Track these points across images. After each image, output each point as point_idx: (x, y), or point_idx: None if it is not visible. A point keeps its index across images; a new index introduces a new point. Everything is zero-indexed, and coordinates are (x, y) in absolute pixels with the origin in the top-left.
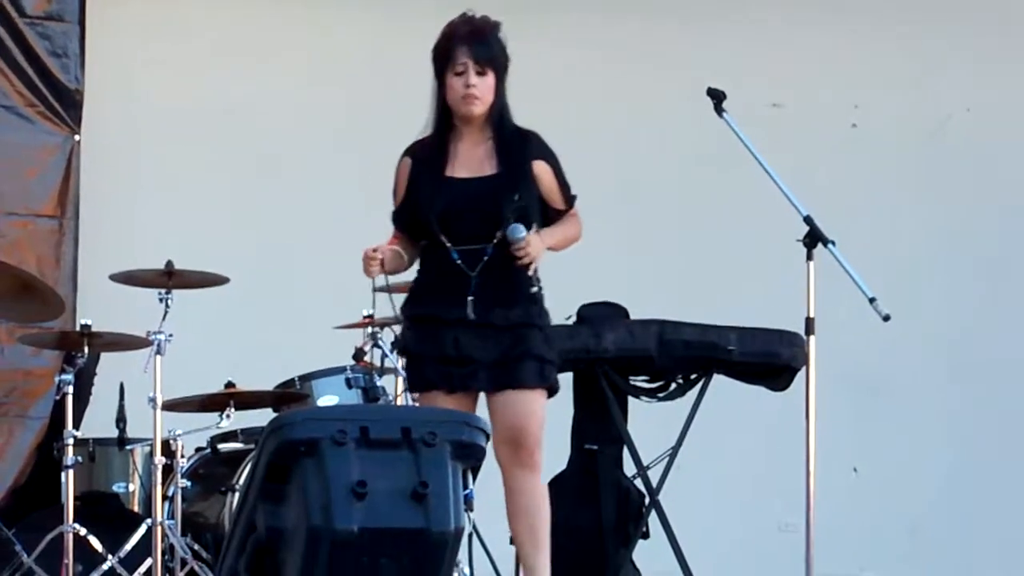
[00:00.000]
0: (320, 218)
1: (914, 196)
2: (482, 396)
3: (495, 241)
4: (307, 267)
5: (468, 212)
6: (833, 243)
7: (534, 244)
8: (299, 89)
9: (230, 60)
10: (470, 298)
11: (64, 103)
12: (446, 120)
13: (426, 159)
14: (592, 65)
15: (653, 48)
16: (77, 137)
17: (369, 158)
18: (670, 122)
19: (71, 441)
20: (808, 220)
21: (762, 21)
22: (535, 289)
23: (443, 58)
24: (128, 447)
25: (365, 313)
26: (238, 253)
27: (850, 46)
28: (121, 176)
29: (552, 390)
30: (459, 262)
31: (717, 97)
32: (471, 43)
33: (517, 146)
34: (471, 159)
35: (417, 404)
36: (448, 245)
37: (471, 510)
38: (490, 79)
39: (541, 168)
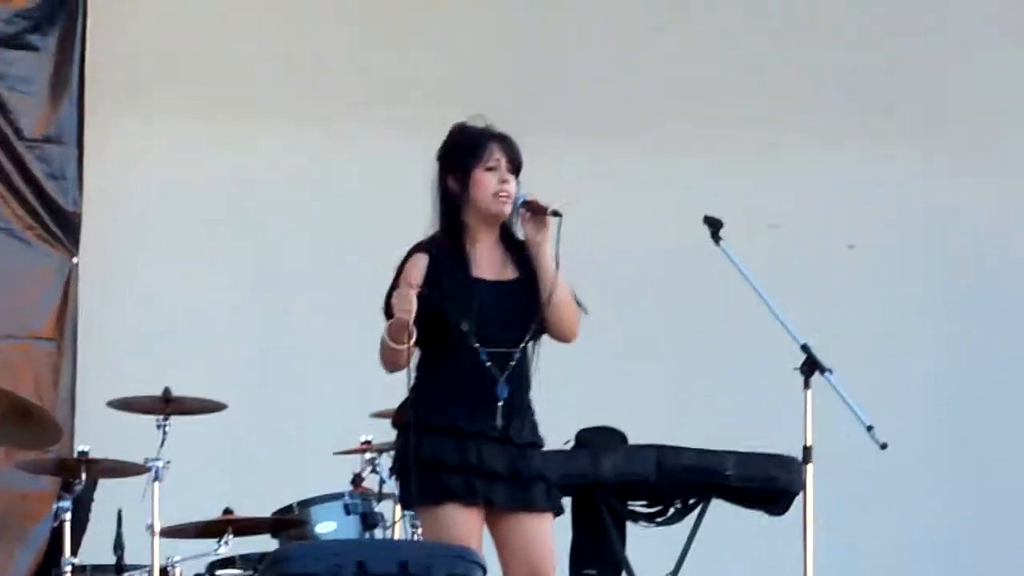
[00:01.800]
0: (318, 343)
1: (912, 319)
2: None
3: (522, 346)
4: (305, 392)
5: (499, 316)
6: (831, 371)
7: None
8: (301, 206)
9: (227, 181)
10: (500, 404)
11: (62, 225)
12: (456, 220)
13: (445, 259)
14: (588, 187)
15: (649, 171)
16: (75, 259)
17: (370, 282)
18: (668, 246)
19: (69, 568)
20: (805, 348)
21: (758, 141)
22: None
23: (471, 153)
24: (126, 574)
25: (363, 439)
26: (236, 378)
27: (848, 168)
28: (119, 299)
29: (558, 513)
30: (488, 364)
31: (714, 225)
32: (504, 142)
33: (526, 251)
34: (491, 262)
35: (420, 519)
36: (476, 347)
37: None
38: (515, 184)
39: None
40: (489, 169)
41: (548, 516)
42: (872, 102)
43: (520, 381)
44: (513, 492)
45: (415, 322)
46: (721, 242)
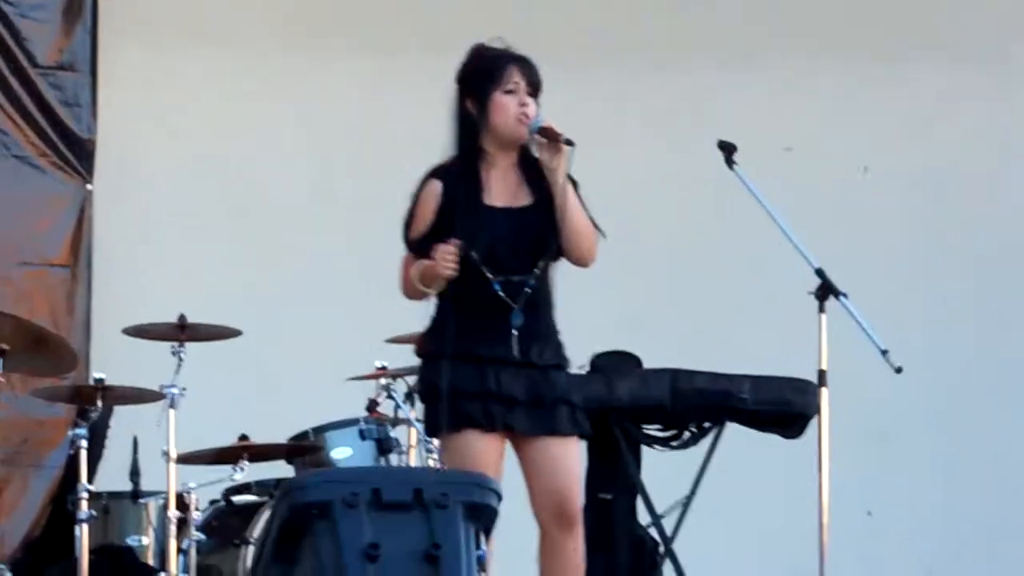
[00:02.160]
0: (332, 269)
1: (926, 241)
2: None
3: (536, 271)
4: (319, 319)
5: (511, 244)
6: (845, 295)
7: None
8: (316, 137)
9: (243, 110)
10: (514, 332)
11: (76, 153)
12: (474, 144)
13: (459, 186)
14: (601, 115)
15: (662, 97)
16: (89, 187)
17: (383, 209)
18: (682, 171)
19: (85, 495)
20: (820, 273)
21: (772, 67)
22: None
23: (488, 76)
24: (142, 500)
25: (378, 364)
26: (251, 305)
27: (861, 90)
28: (134, 226)
29: (584, 435)
30: (501, 294)
31: (728, 150)
32: (523, 64)
33: (543, 174)
34: (504, 188)
35: (439, 447)
36: (489, 277)
37: (484, 571)
38: (535, 106)
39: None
40: (508, 92)
41: (573, 439)
42: (887, 24)
43: (538, 306)
44: (535, 417)
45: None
46: (735, 166)
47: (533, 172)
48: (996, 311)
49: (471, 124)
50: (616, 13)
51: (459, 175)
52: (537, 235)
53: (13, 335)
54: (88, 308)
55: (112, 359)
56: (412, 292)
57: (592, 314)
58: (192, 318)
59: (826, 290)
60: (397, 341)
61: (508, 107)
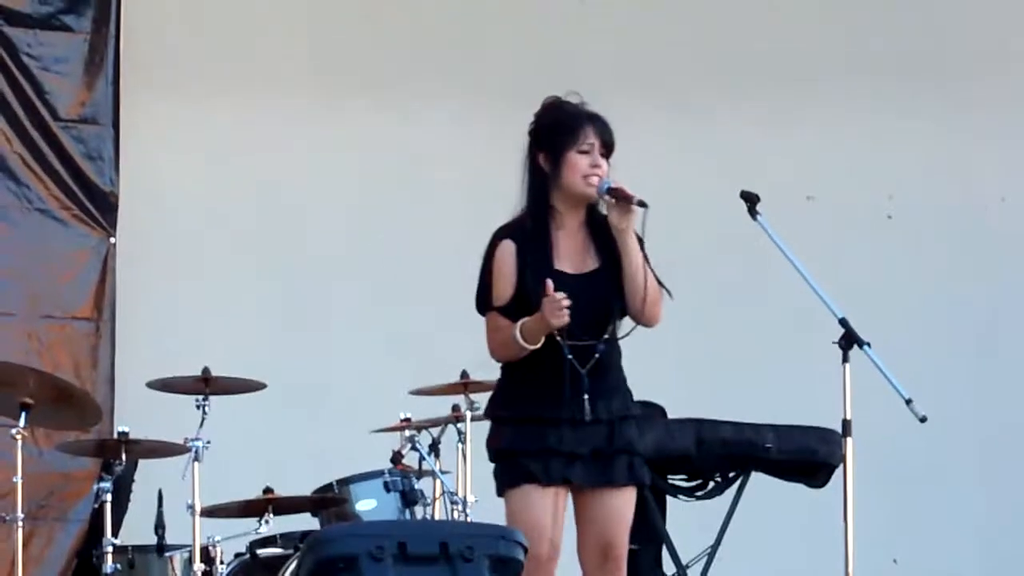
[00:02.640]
0: (357, 320)
1: (949, 288)
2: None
3: (606, 337)
4: (343, 370)
5: (578, 310)
6: (869, 345)
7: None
8: (339, 187)
9: (266, 160)
10: (586, 397)
11: (99, 206)
12: (545, 201)
13: (530, 248)
14: (622, 161)
15: (685, 142)
16: (112, 240)
17: (408, 260)
18: (707, 218)
19: (110, 549)
20: (844, 323)
21: (792, 112)
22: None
23: (565, 133)
24: (167, 554)
25: (402, 416)
26: (275, 358)
27: (884, 136)
28: (157, 279)
29: (642, 485)
30: (570, 357)
31: (751, 200)
32: (598, 124)
33: (610, 235)
34: (573, 251)
35: (506, 506)
36: (559, 341)
37: None
38: (606, 166)
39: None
40: (582, 152)
41: (629, 489)
42: (909, 69)
43: (606, 367)
44: (593, 470)
45: (512, 313)
46: (758, 216)
47: (599, 235)
48: (1021, 358)
49: (543, 180)
50: (634, 55)
51: (529, 234)
52: (605, 300)
53: (37, 389)
54: (112, 361)
55: (136, 412)
56: (507, 352)
57: None
58: (216, 371)
59: (850, 340)
60: (421, 393)
61: (580, 166)
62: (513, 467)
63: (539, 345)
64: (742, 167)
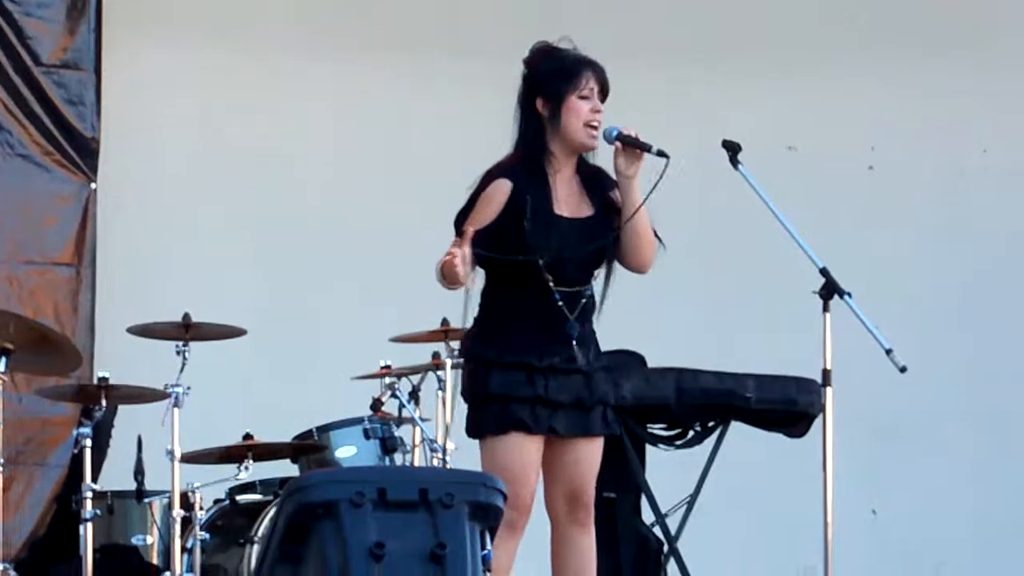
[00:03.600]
0: (337, 268)
1: (931, 239)
2: None
3: (592, 282)
4: (324, 317)
5: (573, 255)
6: (849, 295)
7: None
8: (320, 138)
9: (248, 109)
10: (575, 344)
11: (80, 151)
12: (542, 145)
13: (529, 190)
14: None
15: (665, 94)
16: (93, 185)
17: (390, 208)
18: (686, 170)
19: (89, 494)
20: (824, 272)
21: (775, 64)
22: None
23: (565, 78)
24: (147, 500)
25: (382, 363)
26: (255, 304)
27: (865, 87)
28: (138, 225)
29: (613, 436)
30: (561, 304)
31: (732, 149)
32: (597, 70)
33: (600, 183)
34: (570, 197)
35: (482, 449)
36: (551, 287)
37: (489, 571)
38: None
39: (616, 198)
40: (583, 97)
41: (600, 440)
42: (889, 21)
43: (587, 313)
44: (574, 419)
45: (493, 251)
46: (740, 166)
47: (591, 182)
48: (1002, 309)
49: (540, 124)
50: (609, 12)
51: (528, 178)
52: (599, 246)
53: (17, 334)
54: (92, 307)
55: (116, 358)
56: (442, 284)
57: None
58: (196, 317)
59: (830, 290)
60: (401, 340)
61: (580, 112)
62: (501, 413)
63: (455, 286)
64: (723, 118)
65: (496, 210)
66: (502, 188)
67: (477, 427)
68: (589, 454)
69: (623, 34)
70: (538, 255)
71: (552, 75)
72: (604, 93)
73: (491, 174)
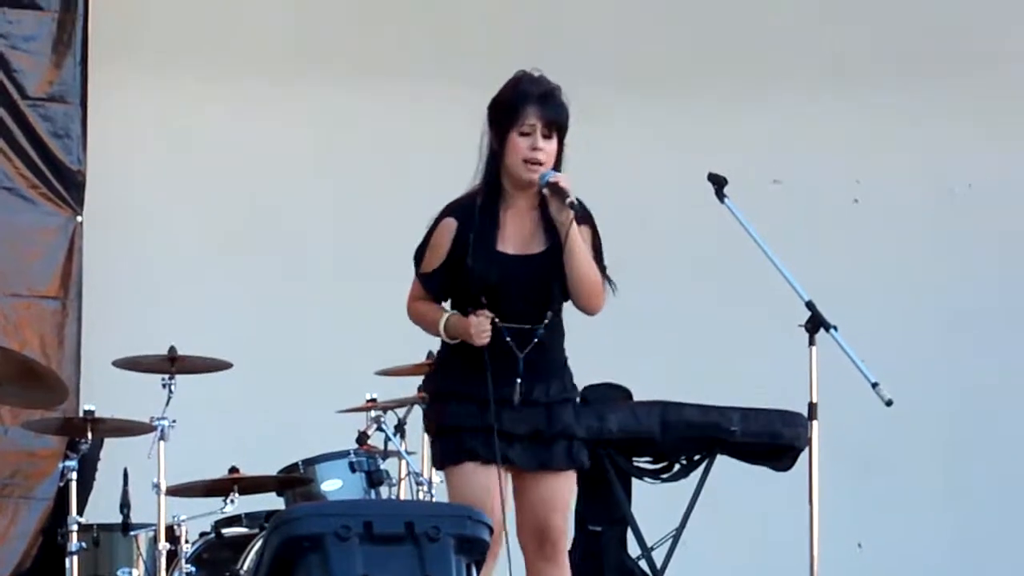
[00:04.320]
0: (323, 301)
1: (916, 272)
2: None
3: (546, 322)
4: (310, 351)
5: (519, 292)
6: (835, 328)
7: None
8: (304, 171)
9: (234, 140)
10: (518, 381)
11: (66, 184)
12: (496, 179)
13: (473, 226)
14: (588, 146)
15: (650, 126)
16: (79, 218)
17: (374, 240)
18: (673, 203)
19: (75, 527)
20: (810, 306)
21: (760, 97)
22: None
23: (507, 114)
24: (132, 532)
25: (368, 397)
26: (241, 337)
27: (850, 121)
28: (124, 258)
29: (581, 468)
30: (508, 340)
31: (718, 183)
32: (542, 104)
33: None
34: (520, 232)
35: (446, 481)
36: (496, 322)
37: None
38: (554, 144)
39: (582, 233)
40: (523, 134)
41: (568, 473)
42: (876, 55)
43: (545, 350)
44: (532, 452)
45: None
46: (726, 199)
47: (550, 217)
48: (987, 343)
49: (494, 158)
50: (604, 40)
51: (474, 213)
52: (547, 283)
53: (3, 367)
54: (78, 340)
55: (102, 391)
56: (422, 325)
57: (582, 346)
58: (182, 350)
59: (816, 323)
60: (387, 373)
61: (519, 149)
62: (454, 443)
63: (457, 341)
64: (709, 151)
65: (443, 251)
66: (448, 228)
67: (438, 459)
68: (554, 489)
69: (614, 68)
70: (479, 291)
71: (500, 109)
72: (550, 127)
73: (442, 212)
